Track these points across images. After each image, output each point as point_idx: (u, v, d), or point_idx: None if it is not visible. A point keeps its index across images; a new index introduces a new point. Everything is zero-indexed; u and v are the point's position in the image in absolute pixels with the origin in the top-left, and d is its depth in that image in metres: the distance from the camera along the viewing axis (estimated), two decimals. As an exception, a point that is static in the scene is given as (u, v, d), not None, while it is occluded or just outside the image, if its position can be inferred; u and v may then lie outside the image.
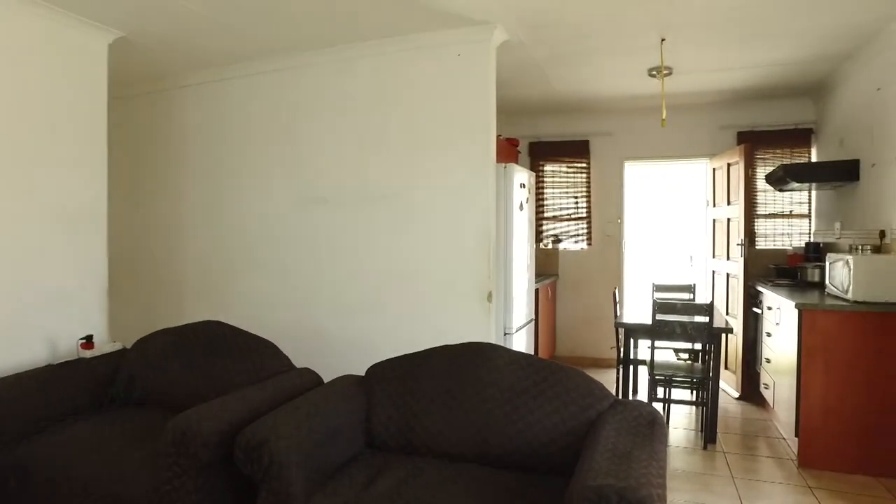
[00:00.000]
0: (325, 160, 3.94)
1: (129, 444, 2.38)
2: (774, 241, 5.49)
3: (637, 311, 4.47)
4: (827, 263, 3.91)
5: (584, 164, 6.01)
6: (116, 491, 2.14)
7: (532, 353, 4.38)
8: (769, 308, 4.24)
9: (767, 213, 5.51)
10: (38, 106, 3.13)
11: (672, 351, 4.60)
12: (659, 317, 3.71)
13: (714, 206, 5.52)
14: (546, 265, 6.14)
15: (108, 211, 3.54)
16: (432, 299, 3.64)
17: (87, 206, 3.40)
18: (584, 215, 6.01)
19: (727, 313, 5.19)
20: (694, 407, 4.47)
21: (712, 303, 3.64)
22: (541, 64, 4.36)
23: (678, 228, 7.35)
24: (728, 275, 5.18)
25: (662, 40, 3.80)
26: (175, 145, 4.42)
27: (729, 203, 5.13)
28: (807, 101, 5.38)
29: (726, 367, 5.14)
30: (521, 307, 4.09)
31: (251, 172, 4.16)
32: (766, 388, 4.34)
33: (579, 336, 6.03)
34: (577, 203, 6.04)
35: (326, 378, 2.84)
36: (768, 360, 4.26)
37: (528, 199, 4.14)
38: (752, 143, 5.32)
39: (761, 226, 5.51)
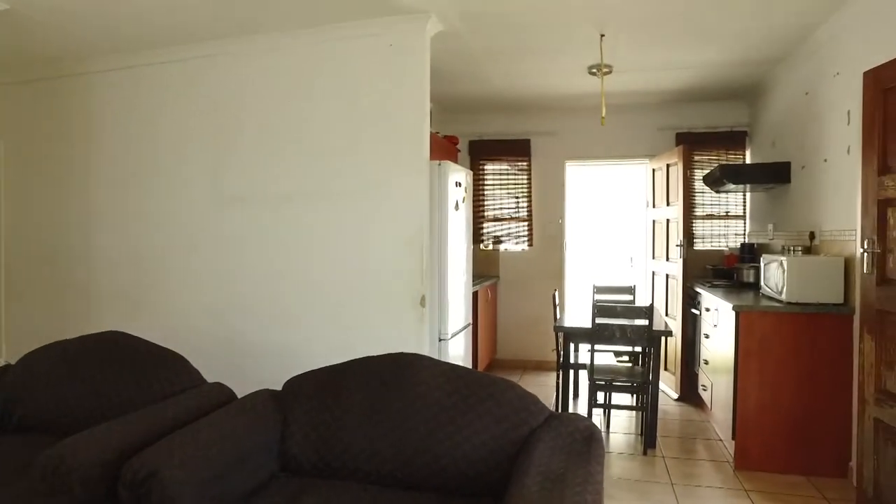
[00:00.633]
0: (244, 156, 3.65)
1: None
2: (712, 241, 5.54)
3: (578, 313, 4.38)
4: (762, 265, 3.91)
5: (525, 164, 5.90)
6: (-23, 536, 1.83)
7: (470, 358, 4.22)
8: (707, 309, 4.22)
9: (705, 214, 5.55)
10: None
11: (612, 354, 4.54)
12: (599, 320, 3.61)
13: (654, 206, 5.51)
14: (487, 266, 6.00)
15: (4, 207, 3.15)
16: (362, 305, 3.42)
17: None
18: (526, 216, 5.91)
19: (666, 314, 5.18)
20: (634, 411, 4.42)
21: (652, 306, 3.57)
22: (479, 57, 4.21)
23: (619, 229, 7.38)
24: (667, 276, 5.17)
25: (602, 36, 3.71)
26: (80, 137, 4.02)
27: (668, 204, 5.12)
28: (742, 104, 5.45)
29: (665, 368, 5.13)
30: (458, 311, 3.92)
31: (164, 169, 3.83)
32: (704, 390, 4.33)
33: (521, 339, 5.92)
34: (518, 203, 5.93)
35: (244, 392, 2.58)
36: (706, 362, 4.25)
37: (464, 198, 3.97)
38: (690, 144, 5.34)
39: (699, 227, 5.55)
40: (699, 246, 5.53)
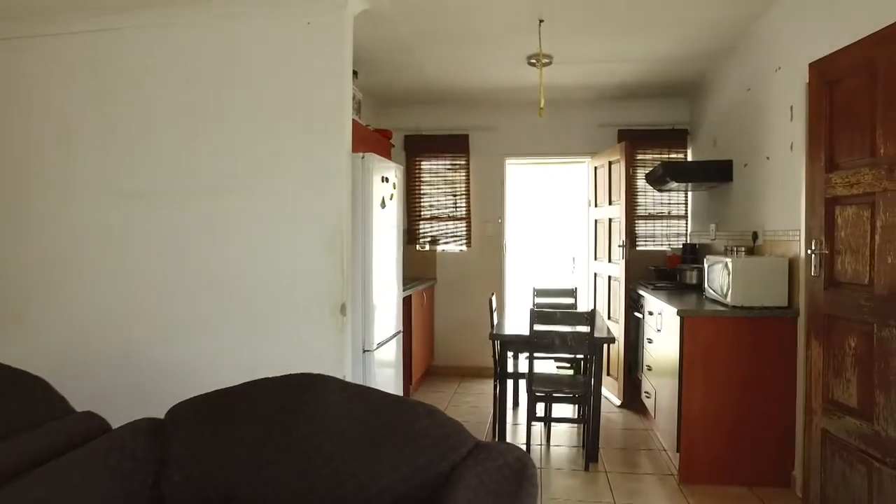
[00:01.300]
0: (142, 146, 3.21)
1: None
2: (654, 242, 5.41)
3: (519, 318, 4.11)
4: (705, 266, 3.75)
5: (463, 161, 5.63)
6: None
7: (402, 368, 3.90)
8: (650, 313, 4.05)
9: (647, 213, 5.42)
10: None
11: (553, 360, 4.30)
12: (537, 327, 3.35)
13: (595, 206, 5.34)
14: (423, 268, 5.69)
15: None
16: (274, 314, 3.05)
17: None
18: (464, 215, 5.63)
19: (609, 317, 5.01)
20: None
21: (594, 311, 3.35)
22: (411, 44, 3.90)
23: (561, 230, 7.21)
24: (610, 277, 5.00)
25: (541, 21, 3.46)
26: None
27: (610, 203, 4.95)
28: (683, 101, 5.35)
29: (608, 374, 4.95)
30: (387, 318, 3.59)
31: (48, 161, 3.32)
32: (647, 397, 4.15)
33: (459, 344, 5.63)
34: (455, 202, 5.65)
35: (135, 418, 2.16)
36: (649, 368, 4.07)
37: (393, 195, 3.65)
38: (632, 142, 5.19)
39: (641, 227, 5.41)
40: (641, 246, 5.39)
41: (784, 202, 3.29)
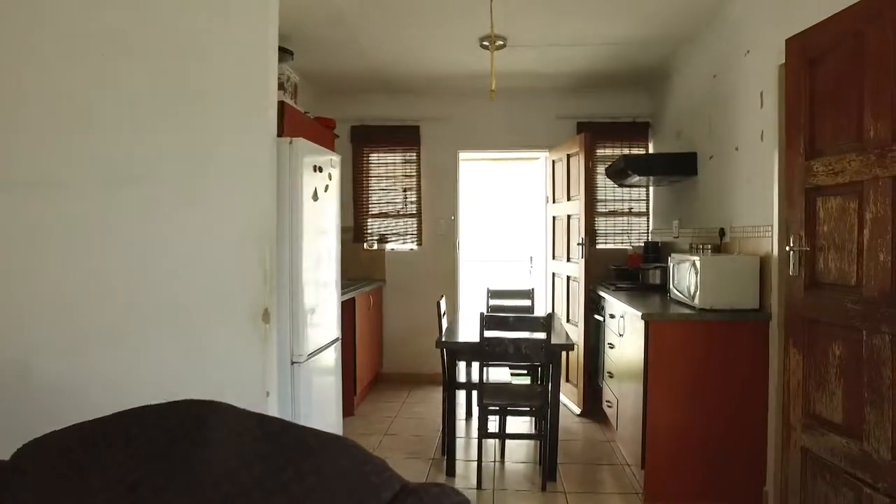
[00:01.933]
0: (28, 128, 2.72)
1: None
2: (615, 240, 5.15)
3: (473, 321, 3.76)
4: (670, 265, 3.49)
5: (413, 154, 5.26)
6: None
7: (340, 379, 3.50)
8: (612, 316, 3.76)
9: (608, 210, 5.17)
10: None
11: (507, 368, 3.97)
12: (489, 333, 3.02)
13: (554, 202, 5.05)
14: (371, 269, 5.31)
15: None
16: (183, 323, 2.60)
17: None
18: (414, 212, 5.26)
19: (567, 320, 4.72)
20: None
21: (551, 315, 3.03)
22: (348, 21, 3.52)
23: (519, 227, 6.92)
24: (568, 277, 4.71)
25: (491, -4, 3.13)
26: None
27: (569, 198, 4.66)
28: (644, 92, 5.11)
29: (568, 380, 4.66)
30: (322, 324, 3.20)
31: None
32: (609, 407, 3.87)
33: (410, 350, 5.25)
34: (406, 197, 5.28)
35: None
36: (611, 375, 3.79)
37: (328, 186, 3.25)
38: (592, 134, 4.91)
39: (602, 224, 5.15)
40: (602, 245, 5.13)
41: (754, 196, 3.04)
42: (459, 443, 3.83)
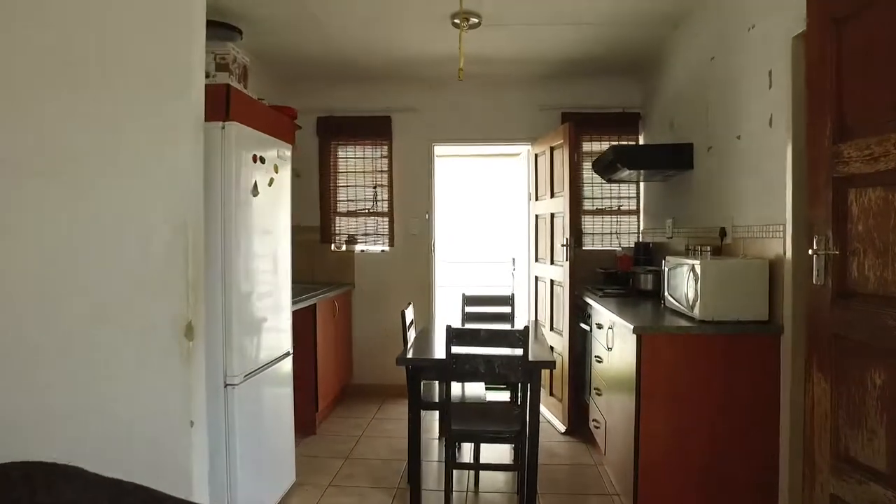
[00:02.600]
0: None
1: None
2: (603, 241, 4.76)
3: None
4: (664, 269, 3.09)
5: (385, 147, 4.83)
6: None
7: (291, 399, 3.07)
8: (599, 326, 3.36)
9: (595, 208, 4.77)
10: None
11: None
12: (456, 349, 2.60)
13: (536, 199, 4.64)
14: (340, 272, 4.88)
15: None
16: (88, 342, 2.16)
17: None
18: (386, 210, 4.83)
19: (552, 328, 4.31)
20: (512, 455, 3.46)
21: (527, 329, 2.61)
22: (302, -10, 3.09)
23: (499, 227, 6.50)
24: (552, 281, 4.30)
25: (460, -40, 2.72)
26: None
27: (553, 195, 4.26)
28: (634, 81, 4.72)
29: (552, 394, 4.25)
30: (268, 337, 2.77)
31: None
32: (596, 427, 3.47)
33: (381, 359, 4.80)
34: (376, 195, 4.85)
35: None
36: (598, 392, 3.38)
37: (273, 179, 2.82)
38: (578, 126, 4.51)
39: (588, 223, 4.75)
40: (588, 246, 4.73)
41: (761, 190, 2.65)
42: (431, 468, 3.42)
